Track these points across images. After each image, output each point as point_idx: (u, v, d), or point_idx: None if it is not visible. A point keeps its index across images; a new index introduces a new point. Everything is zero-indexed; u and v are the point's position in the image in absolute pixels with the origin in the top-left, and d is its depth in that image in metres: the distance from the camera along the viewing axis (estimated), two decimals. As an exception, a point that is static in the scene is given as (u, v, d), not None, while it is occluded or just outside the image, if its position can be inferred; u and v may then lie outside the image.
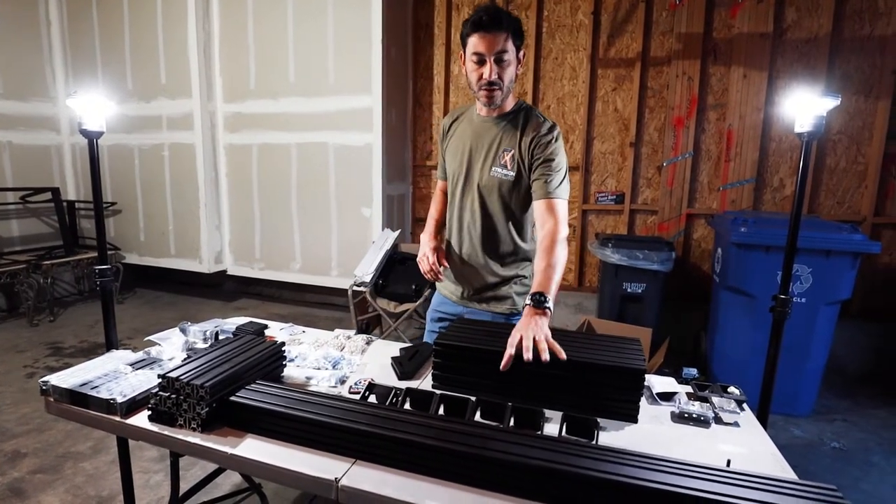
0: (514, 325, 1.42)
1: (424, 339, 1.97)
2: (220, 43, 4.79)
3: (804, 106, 1.59)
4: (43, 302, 4.81)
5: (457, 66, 4.66)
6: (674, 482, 0.96)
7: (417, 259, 1.86)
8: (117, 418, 1.30)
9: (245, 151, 4.89)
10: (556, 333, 1.52)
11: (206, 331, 1.79)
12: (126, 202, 5.47)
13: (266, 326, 1.96)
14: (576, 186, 4.42)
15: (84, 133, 1.75)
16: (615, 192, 4.32)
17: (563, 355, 1.30)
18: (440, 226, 1.98)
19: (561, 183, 1.64)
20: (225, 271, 5.25)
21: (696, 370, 1.62)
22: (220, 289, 5.86)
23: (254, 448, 1.18)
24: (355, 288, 3.78)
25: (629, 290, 3.59)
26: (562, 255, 1.54)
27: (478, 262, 1.81)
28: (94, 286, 5.49)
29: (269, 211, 4.90)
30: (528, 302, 1.44)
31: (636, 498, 0.96)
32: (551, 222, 1.58)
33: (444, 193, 1.96)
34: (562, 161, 1.66)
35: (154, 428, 1.26)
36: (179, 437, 1.22)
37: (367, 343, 1.87)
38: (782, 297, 1.71)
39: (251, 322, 1.95)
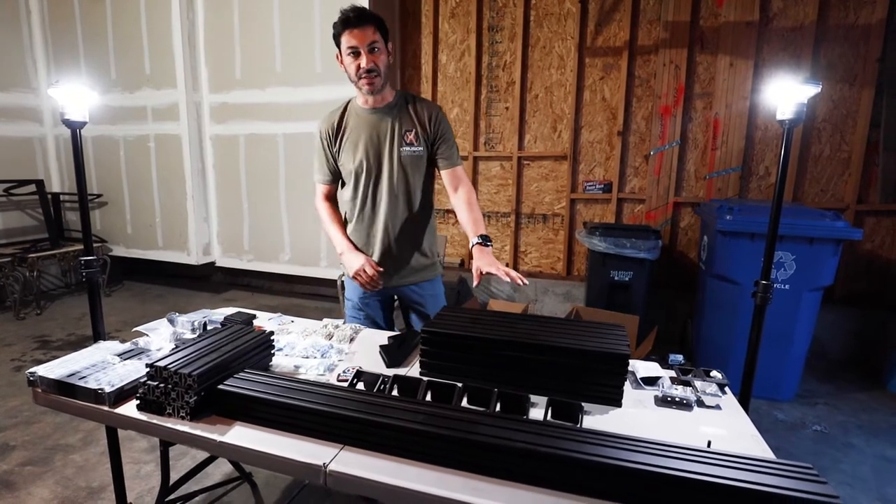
0: (492, 311, 1.62)
1: (347, 323, 2.05)
2: (204, 32, 4.72)
3: (786, 93, 1.61)
4: (29, 295, 4.76)
5: (444, 56, 4.64)
6: (655, 462, 0.99)
7: (352, 276, 1.93)
8: (105, 408, 1.30)
9: (232, 142, 4.84)
10: (543, 320, 1.56)
11: (194, 321, 1.79)
12: (112, 194, 5.41)
13: (254, 316, 1.96)
14: (564, 175, 4.43)
15: (67, 123, 1.73)
16: (603, 181, 4.35)
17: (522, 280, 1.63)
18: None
19: (458, 152, 1.99)
20: (213, 263, 5.23)
21: (682, 357, 1.65)
22: (208, 281, 5.83)
23: (242, 435, 1.19)
24: (344, 278, 3.77)
25: (617, 278, 3.63)
26: (478, 209, 1.94)
27: (401, 242, 1.97)
28: (80, 279, 5.44)
29: (257, 202, 4.87)
30: (477, 241, 1.79)
31: (619, 478, 0.99)
32: (463, 186, 1.95)
33: (328, 199, 2.07)
34: (452, 133, 1.98)
35: (143, 417, 1.26)
36: (168, 425, 1.23)
37: (356, 332, 1.88)
38: (764, 282, 1.73)
39: (239, 312, 1.95)
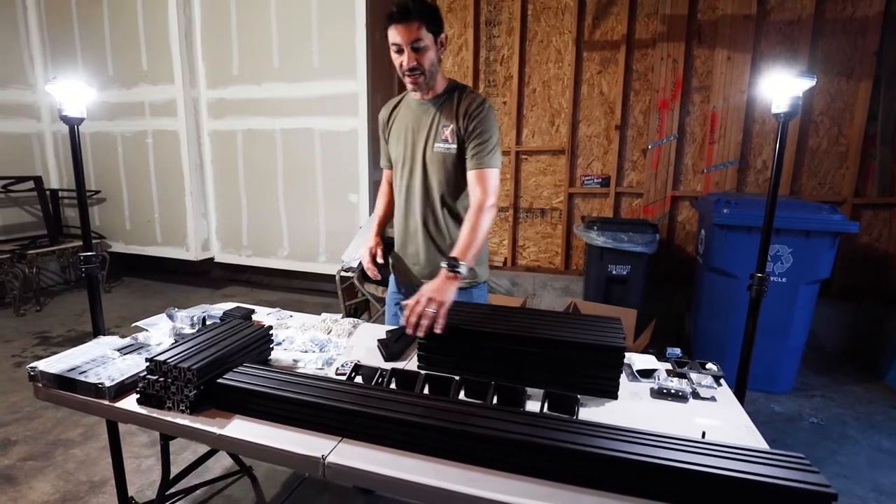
0: (490, 305, 1.54)
1: (387, 324, 2.01)
2: (202, 28, 4.70)
3: (781, 87, 1.61)
4: (28, 292, 4.77)
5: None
6: (649, 453, 1.00)
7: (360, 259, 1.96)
8: (106, 402, 1.31)
9: (230, 138, 4.84)
10: (540, 314, 1.57)
11: (193, 316, 1.80)
12: (110, 190, 5.40)
13: (253, 311, 1.97)
14: (562, 170, 4.44)
15: (64, 119, 1.74)
16: (601, 175, 4.35)
17: (438, 330, 1.43)
18: (385, 222, 2.09)
19: (491, 152, 1.75)
20: (212, 259, 5.23)
21: (679, 350, 1.66)
22: (207, 276, 5.84)
23: (242, 428, 1.20)
24: (343, 273, 3.79)
25: (614, 272, 3.63)
26: (485, 221, 1.69)
27: (431, 241, 1.89)
28: (80, 275, 5.44)
29: (255, 197, 4.87)
30: (443, 265, 1.57)
31: (614, 468, 1.00)
32: (479, 191, 1.72)
33: (390, 184, 2.06)
34: (493, 132, 1.76)
35: (143, 411, 1.27)
36: (168, 419, 1.24)
37: (354, 326, 1.89)
38: (759, 275, 1.75)
39: (238, 307, 1.96)
